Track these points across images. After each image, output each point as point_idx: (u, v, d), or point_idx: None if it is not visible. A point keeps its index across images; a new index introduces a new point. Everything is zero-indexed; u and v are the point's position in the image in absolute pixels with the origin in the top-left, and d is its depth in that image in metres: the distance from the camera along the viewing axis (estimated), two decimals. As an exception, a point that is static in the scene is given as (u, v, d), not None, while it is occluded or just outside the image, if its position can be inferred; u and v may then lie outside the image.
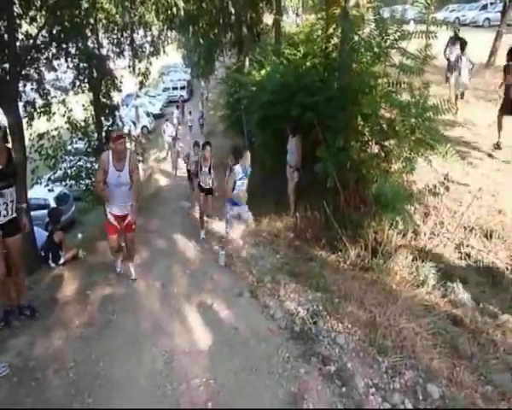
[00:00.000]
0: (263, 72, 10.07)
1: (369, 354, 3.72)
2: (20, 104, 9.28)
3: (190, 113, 25.39)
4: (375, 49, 6.27)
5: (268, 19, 16.03)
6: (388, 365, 3.57)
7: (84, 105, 12.08)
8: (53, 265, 6.53)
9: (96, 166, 11.95)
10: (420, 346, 3.73)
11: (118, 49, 13.15)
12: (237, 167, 5.99)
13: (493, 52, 14.94)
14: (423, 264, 5.44)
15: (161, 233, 8.02)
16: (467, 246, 5.83)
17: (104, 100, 12.18)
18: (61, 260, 6.53)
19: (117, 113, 12.79)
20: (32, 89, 9.97)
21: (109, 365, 3.82)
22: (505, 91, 7.83)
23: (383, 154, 6.52)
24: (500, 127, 7.89)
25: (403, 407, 3.16)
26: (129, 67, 14.24)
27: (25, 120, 9.42)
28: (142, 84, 14.48)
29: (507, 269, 5.44)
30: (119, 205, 5.16)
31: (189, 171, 10.55)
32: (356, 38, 6.55)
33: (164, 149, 20.24)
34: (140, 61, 14.14)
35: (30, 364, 3.91)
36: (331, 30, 7.56)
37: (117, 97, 13.17)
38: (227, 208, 6.30)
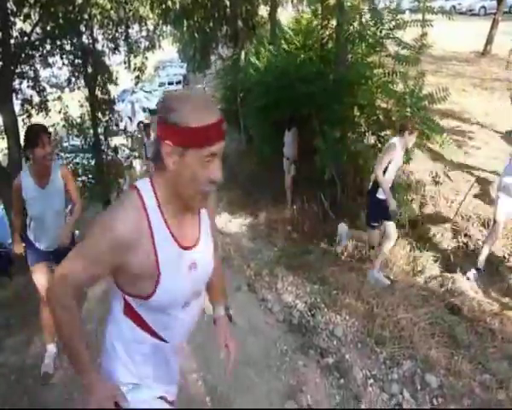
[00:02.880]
0: (262, 61, 10.01)
1: (367, 346, 3.72)
2: (18, 102, 9.23)
3: None
4: (370, 40, 6.24)
5: (263, 11, 15.94)
6: (386, 355, 3.57)
7: (79, 101, 12.00)
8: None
9: (93, 163, 11.93)
10: (418, 336, 3.74)
11: (113, 45, 13.02)
12: None
13: (489, 41, 14.87)
14: (421, 254, 5.44)
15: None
16: (464, 235, 5.82)
17: (101, 95, 12.09)
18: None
19: (115, 106, 12.72)
20: (28, 86, 9.90)
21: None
22: None
23: (380, 144, 6.50)
24: None
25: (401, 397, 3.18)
26: (124, 62, 14.07)
27: (22, 118, 9.38)
28: (137, 80, 14.32)
29: (504, 258, 5.44)
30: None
31: None
32: (351, 28, 6.52)
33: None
34: (135, 57, 13.99)
35: (27, 362, 3.89)
36: (326, 21, 7.51)
37: (113, 92, 13.08)
38: None
